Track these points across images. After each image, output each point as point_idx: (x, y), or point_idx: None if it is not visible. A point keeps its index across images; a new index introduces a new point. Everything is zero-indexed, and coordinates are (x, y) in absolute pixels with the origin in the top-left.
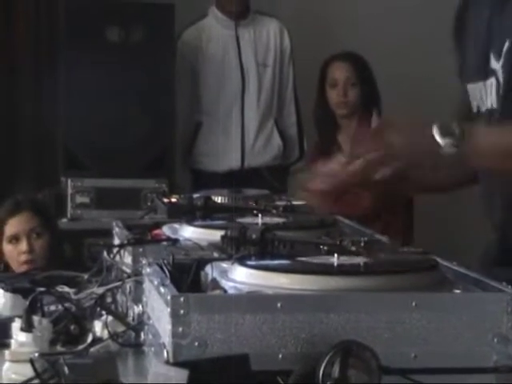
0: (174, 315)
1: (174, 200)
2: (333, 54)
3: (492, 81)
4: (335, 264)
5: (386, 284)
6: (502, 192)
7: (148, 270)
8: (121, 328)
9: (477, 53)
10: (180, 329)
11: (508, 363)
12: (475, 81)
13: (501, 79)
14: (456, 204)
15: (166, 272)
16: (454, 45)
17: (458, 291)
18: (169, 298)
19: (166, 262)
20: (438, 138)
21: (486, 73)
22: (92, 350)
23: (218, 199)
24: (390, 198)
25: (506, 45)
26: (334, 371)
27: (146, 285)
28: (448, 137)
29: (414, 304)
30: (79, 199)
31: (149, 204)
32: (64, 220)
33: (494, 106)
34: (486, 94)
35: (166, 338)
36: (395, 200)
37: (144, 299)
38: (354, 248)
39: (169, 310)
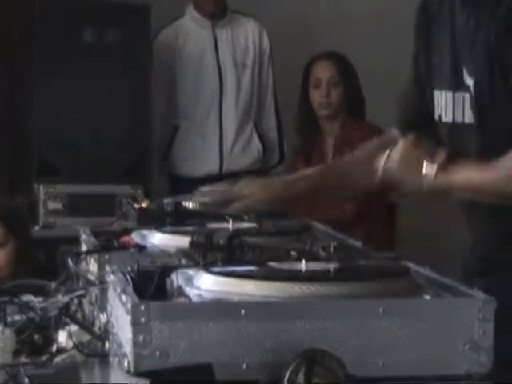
0: (135, 324)
1: (144, 206)
2: (315, 54)
3: (464, 95)
4: (303, 270)
5: (353, 290)
6: (479, 203)
7: (112, 277)
8: (87, 337)
9: (447, 62)
10: (141, 338)
11: (480, 371)
12: (444, 89)
13: (473, 95)
14: (444, 210)
15: (129, 280)
16: (418, 38)
17: (428, 297)
18: (129, 306)
19: (130, 269)
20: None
21: (457, 85)
22: (57, 360)
23: (189, 205)
24: (369, 203)
25: (480, 62)
26: (298, 380)
27: (110, 293)
28: (432, 164)
29: (381, 310)
30: (52, 205)
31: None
32: (37, 227)
33: (466, 120)
34: (452, 106)
35: (128, 347)
36: (376, 205)
37: (108, 308)
38: (323, 253)
39: (129, 318)
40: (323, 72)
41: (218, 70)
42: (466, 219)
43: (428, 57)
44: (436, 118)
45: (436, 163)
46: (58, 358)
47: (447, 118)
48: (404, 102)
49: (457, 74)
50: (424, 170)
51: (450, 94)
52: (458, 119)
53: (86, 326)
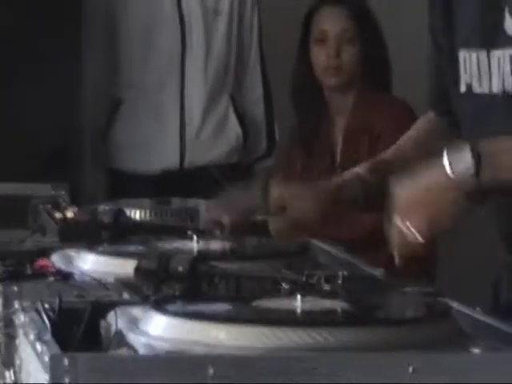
0: None
1: (69, 215)
2: None
3: (505, 53)
4: (298, 310)
5: (370, 340)
6: None
7: (23, 318)
8: None
9: (481, 5)
10: None
11: None
12: (474, 47)
13: None
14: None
15: (47, 322)
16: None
17: (477, 350)
18: (47, 359)
19: (48, 306)
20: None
21: (495, 39)
22: None
23: (136, 214)
24: None
25: None
26: None
27: (20, 340)
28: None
29: (411, 369)
30: None
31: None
32: None
33: (510, 88)
34: (488, 70)
35: None
36: None
37: (17, 362)
38: (328, 287)
39: (47, 377)
40: (331, 22)
41: (180, 19)
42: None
43: (449, 14)
44: (462, 89)
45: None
46: None
47: (481, 88)
48: (433, 76)
49: (494, 25)
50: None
51: (483, 54)
52: (494, 89)
53: None
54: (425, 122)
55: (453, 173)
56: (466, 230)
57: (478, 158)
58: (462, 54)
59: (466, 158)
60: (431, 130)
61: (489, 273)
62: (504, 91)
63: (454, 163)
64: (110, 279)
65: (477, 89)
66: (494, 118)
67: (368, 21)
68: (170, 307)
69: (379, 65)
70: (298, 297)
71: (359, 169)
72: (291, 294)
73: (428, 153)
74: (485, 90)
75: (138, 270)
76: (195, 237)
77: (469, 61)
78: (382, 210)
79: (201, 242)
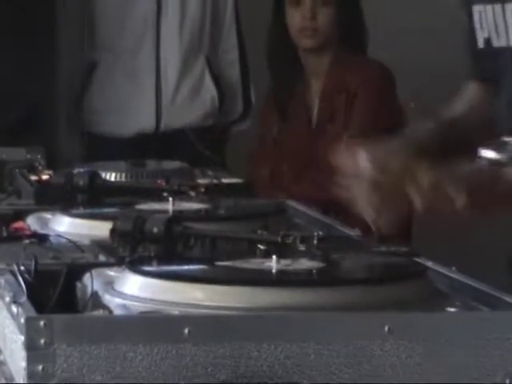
0: (31, 347)
1: (45, 178)
2: None
3: None
4: (273, 270)
5: (346, 300)
6: None
7: None
8: None
9: None
10: (40, 367)
11: None
12: (488, 1)
13: None
14: None
15: (22, 284)
16: None
17: (453, 309)
18: (22, 321)
19: (24, 268)
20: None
21: None
22: None
23: (111, 176)
24: None
25: None
26: None
27: None
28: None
29: (386, 329)
30: None
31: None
32: None
33: None
34: (504, 21)
35: (20, 380)
36: None
37: None
38: (303, 247)
39: (23, 338)
40: None
41: None
42: None
43: None
44: (480, 45)
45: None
46: None
47: (499, 41)
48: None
49: None
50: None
51: (498, 8)
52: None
53: None
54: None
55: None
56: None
57: None
58: (477, 9)
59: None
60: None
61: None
62: None
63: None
64: (86, 241)
65: (495, 43)
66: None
67: None
68: (146, 268)
69: (355, 27)
70: (274, 257)
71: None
72: (267, 254)
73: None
74: (503, 43)
75: (113, 231)
76: (171, 198)
77: (484, 15)
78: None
79: (176, 204)
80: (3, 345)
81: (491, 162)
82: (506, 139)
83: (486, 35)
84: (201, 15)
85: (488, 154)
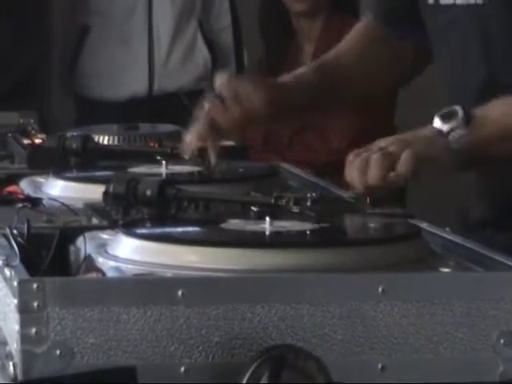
0: (24, 310)
1: (37, 141)
2: None
3: None
4: (267, 232)
5: (339, 261)
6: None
7: None
8: None
9: None
10: (33, 330)
11: None
12: None
13: None
14: None
15: (15, 247)
16: None
17: (447, 270)
18: (15, 283)
19: (16, 231)
20: (440, 125)
21: None
22: None
23: (104, 139)
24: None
25: None
26: None
27: None
28: (451, 121)
29: (380, 290)
30: None
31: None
32: None
33: None
34: None
35: (14, 344)
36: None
37: None
38: (297, 208)
39: (16, 301)
40: None
41: None
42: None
43: None
44: (430, 1)
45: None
46: None
47: None
48: None
49: None
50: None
51: None
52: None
53: None
54: (361, 25)
55: (443, 129)
56: None
57: (468, 116)
58: None
59: (456, 117)
60: (367, 33)
61: (457, 196)
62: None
63: (444, 120)
64: (79, 204)
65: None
66: (456, 30)
67: None
68: (139, 230)
69: None
70: (267, 219)
71: (303, 69)
72: (260, 216)
73: (365, 56)
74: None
75: (106, 194)
76: (164, 161)
77: None
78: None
79: (169, 167)
80: None
81: (438, 131)
82: (456, 108)
83: None
84: None
85: (436, 122)
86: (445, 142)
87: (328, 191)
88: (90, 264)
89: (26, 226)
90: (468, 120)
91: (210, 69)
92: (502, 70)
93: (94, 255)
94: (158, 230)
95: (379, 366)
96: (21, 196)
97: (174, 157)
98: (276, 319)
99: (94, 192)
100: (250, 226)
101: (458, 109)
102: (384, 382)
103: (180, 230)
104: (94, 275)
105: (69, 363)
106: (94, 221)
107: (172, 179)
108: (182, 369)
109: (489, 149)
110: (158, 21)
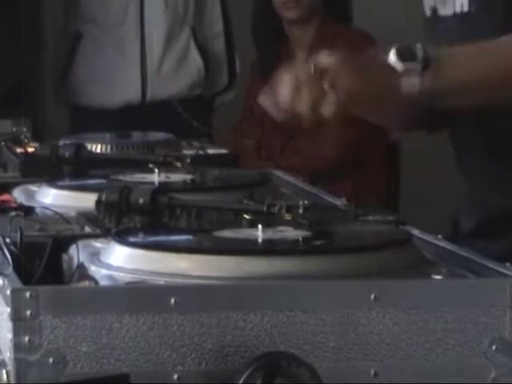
0: (17, 318)
1: (30, 150)
2: None
3: None
4: (259, 240)
5: (332, 268)
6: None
7: None
8: None
9: None
10: (26, 338)
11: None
12: None
13: None
14: None
15: (8, 255)
16: None
17: (439, 277)
18: (8, 292)
19: (9, 240)
20: (395, 62)
21: None
22: None
23: (97, 148)
24: (362, 146)
25: None
26: None
27: None
28: (409, 61)
29: (372, 297)
30: None
31: None
32: None
33: (465, 7)
34: None
35: (7, 352)
36: (372, 149)
37: None
38: (288, 216)
39: (9, 310)
40: None
41: None
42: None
43: None
44: (427, 13)
45: (417, 52)
46: None
47: (445, 9)
48: None
49: None
50: (396, 65)
51: None
52: (458, 9)
53: None
54: None
55: (399, 64)
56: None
57: (427, 58)
58: None
59: (415, 58)
60: None
61: (449, 204)
62: (463, 10)
63: (401, 57)
64: (72, 213)
65: (441, 11)
66: (457, 39)
67: None
68: (132, 239)
69: None
70: (260, 226)
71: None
72: (253, 224)
73: None
74: (449, 11)
75: (99, 203)
76: (156, 169)
77: None
78: None
79: (162, 175)
80: None
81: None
82: (418, 46)
83: (431, 3)
84: None
85: (391, 57)
86: (396, 82)
87: (320, 198)
88: (82, 272)
89: (18, 234)
90: (427, 62)
91: (202, 76)
92: None
93: (86, 263)
94: (151, 238)
95: (372, 372)
96: (13, 204)
97: (167, 165)
98: (269, 326)
99: (87, 200)
100: (243, 233)
101: (419, 48)
102: None
103: (173, 238)
104: (86, 283)
105: (62, 371)
106: (87, 229)
107: (164, 187)
108: (175, 376)
109: (446, 100)
110: (151, 28)
